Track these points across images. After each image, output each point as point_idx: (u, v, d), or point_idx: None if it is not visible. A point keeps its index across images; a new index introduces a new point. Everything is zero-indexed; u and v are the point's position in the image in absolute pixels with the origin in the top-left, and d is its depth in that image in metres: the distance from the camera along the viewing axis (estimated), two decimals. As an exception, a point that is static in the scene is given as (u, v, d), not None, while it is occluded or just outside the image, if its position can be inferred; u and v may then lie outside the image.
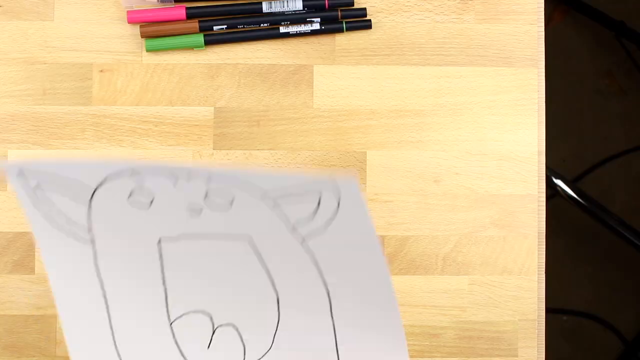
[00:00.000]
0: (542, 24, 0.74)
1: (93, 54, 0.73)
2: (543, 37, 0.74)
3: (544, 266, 0.74)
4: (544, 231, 0.74)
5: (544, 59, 0.74)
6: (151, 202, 0.53)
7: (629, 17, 1.56)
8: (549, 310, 0.75)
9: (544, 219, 0.74)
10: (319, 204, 0.52)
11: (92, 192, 0.54)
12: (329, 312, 0.59)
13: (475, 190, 0.74)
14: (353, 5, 0.73)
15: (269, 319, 0.59)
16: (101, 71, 0.73)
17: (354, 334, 0.59)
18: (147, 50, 0.72)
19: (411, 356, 0.73)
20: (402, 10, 0.73)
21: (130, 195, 0.53)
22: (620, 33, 1.52)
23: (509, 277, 0.74)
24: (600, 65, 1.60)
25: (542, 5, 0.74)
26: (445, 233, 0.74)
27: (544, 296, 0.74)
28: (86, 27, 0.73)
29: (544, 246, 0.74)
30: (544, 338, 0.74)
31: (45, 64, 0.73)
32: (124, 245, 0.56)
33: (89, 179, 0.53)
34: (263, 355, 0.61)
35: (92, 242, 0.56)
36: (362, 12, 0.73)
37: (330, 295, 0.58)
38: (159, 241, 0.56)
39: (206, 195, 0.53)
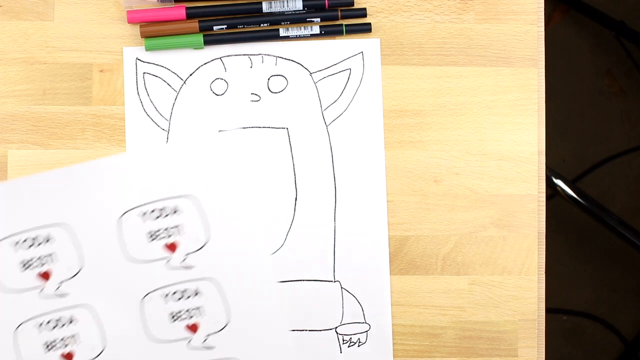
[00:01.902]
0: (542, 24, 0.74)
1: (93, 54, 0.73)
2: (543, 37, 0.74)
3: (544, 266, 0.74)
4: (544, 231, 0.74)
5: (544, 59, 0.74)
6: (226, 89, 0.71)
7: (629, 17, 1.56)
8: (549, 310, 0.75)
9: (544, 219, 0.74)
10: (348, 79, 0.72)
11: (184, 81, 0.71)
12: (333, 214, 0.72)
13: (475, 190, 0.74)
14: (353, 5, 0.73)
15: (285, 219, 0.72)
16: (101, 71, 0.73)
17: (348, 241, 0.72)
18: (147, 50, 0.72)
19: (411, 356, 0.73)
20: (402, 10, 0.73)
21: (213, 81, 0.71)
22: (620, 33, 1.52)
23: (509, 277, 0.74)
24: (600, 65, 1.60)
25: (542, 5, 0.74)
26: (445, 233, 0.74)
27: (544, 296, 0.74)
28: (86, 27, 0.73)
29: (544, 246, 0.74)
30: (544, 338, 0.74)
31: (45, 64, 0.73)
32: (189, 134, 0.71)
33: (184, 70, 0.71)
34: (274, 252, 0.72)
35: (168, 131, 0.71)
36: (362, 12, 0.73)
37: (337, 194, 0.71)
38: (218, 132, 0.71)
39: (269, 79, 0.71)
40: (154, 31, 0.72)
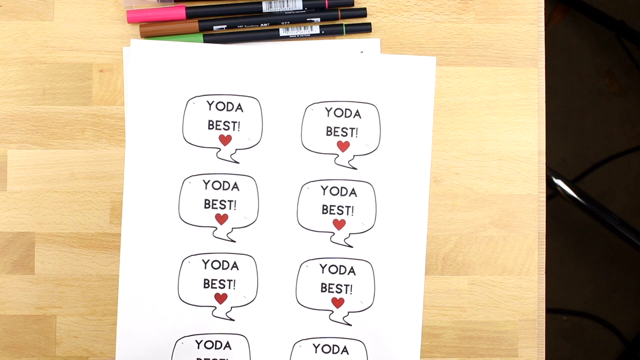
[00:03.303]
0: (542, 24, 0.74)
1: (93, 54, 0.73)
2: (543, 37, 0.74)
3: (544, 266, 0.74)
4: (544, 231, 0.74)
5: (544, 59, 0.74)
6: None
7: (629, 16, 1.56)
8: (549, 310, 0.75)
9: (544, 219, 0.74)
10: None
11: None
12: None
13: (475, 190, 0.74)
14: (353, 5, 0.73)
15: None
16: (101, 71, 0.73)
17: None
18: (147, 50, 0.72)
19: (411, 356, 0.73)
20: (402, 10, 0.73)
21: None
22: (620, 33, 1.52)
23: (509, 277, 0.74)
24: (600, 65, 1.60)
25: (542, 5, 0.74)
26: (445, 233, 0.74)
27: (544, 296, 0.74)
28: (86, 27, 0.73)
29: (544, 246, 0.74)
30: (544, 338, 0.74)
31: (45, 64, 0.73)
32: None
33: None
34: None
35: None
36: (362, 12, 0.73)
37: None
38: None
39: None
40: (153, 31, 0.72)
